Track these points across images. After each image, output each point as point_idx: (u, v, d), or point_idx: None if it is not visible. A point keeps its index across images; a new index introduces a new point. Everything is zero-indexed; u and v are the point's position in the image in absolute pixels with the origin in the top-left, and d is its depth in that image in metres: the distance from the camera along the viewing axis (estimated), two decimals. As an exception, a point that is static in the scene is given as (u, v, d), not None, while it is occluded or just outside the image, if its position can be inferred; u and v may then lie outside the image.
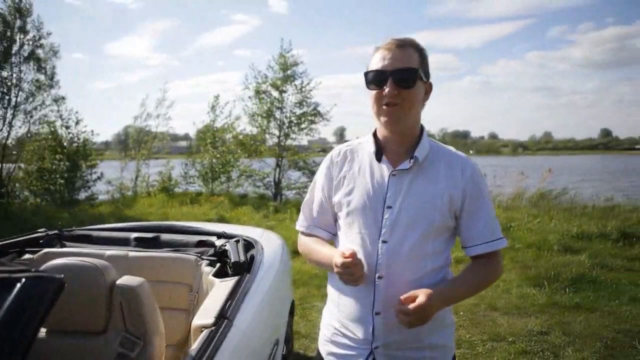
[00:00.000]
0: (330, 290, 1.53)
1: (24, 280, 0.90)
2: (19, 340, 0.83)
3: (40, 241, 2.59)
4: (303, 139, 13.70)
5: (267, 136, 13.34)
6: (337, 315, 1.46)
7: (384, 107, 1.34)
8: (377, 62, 1.35)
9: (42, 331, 1.52)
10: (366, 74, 1.36)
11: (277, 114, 13.09)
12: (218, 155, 12.97)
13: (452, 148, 1.46)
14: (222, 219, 8.63)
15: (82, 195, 12.36)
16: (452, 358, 1.48)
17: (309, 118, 13.05)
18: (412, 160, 1.36)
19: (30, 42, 11.05)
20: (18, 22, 10.83)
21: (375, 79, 1.34)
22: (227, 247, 2.40)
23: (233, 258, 2.22)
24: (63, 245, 2.62)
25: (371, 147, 1.43)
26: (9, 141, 11.16)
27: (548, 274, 5.08)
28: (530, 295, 4.64)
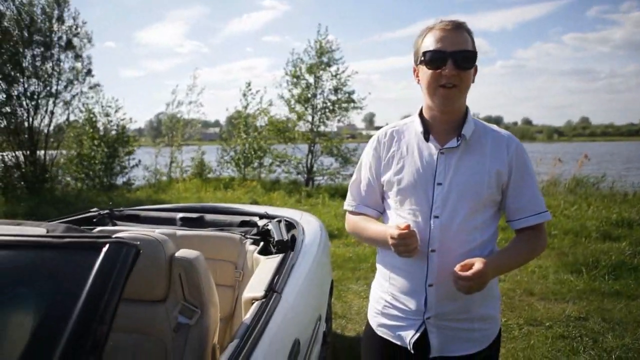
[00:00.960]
0: (380, 265, 1.59)
1: (108, 245, 0.99)
2: (111, 300, 0.92)
3: (94, 220, 2.74)
4: (333, 125, 13.71)
5: (301, 122, 13.40)
6: (389, 289, 1.52)
7: (441, 87, 1.38)
8: (433, 42, 1.38)
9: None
10: (424, 53, 1.39)
11: (312, 99, 13.11)
12: (251, 140, 13.12)
13: (495, 126, 1.50)
14: (255, 203, 8.79)
15: (120, 180, 12.78)
16: (499, 330, 1.53)
17: (343, 105, 13.03)
18: (459, 139, 1.42)
19: (68, 32, 11.40)
20: (56, 13, 11.20)
21: (433, 59, 1.37)
22: (270, 226, 2.49)
23: (277, 237, 2.30)
24: (115, 224, 2.76)
25: (418, 127, 1.48)
26: (50, 128, 11.64)
27: (586, 261, 4.99)
28: (567, 282, 4.58)
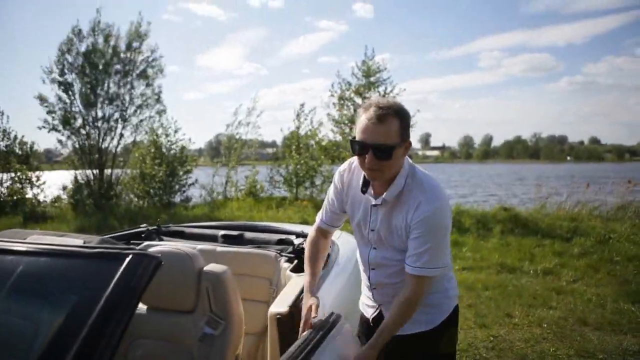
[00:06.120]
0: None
1: (131, 255, 1.11)
2: (127, 305, 1.03)
3: (142, 235, 2.93)
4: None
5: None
6: (362, 284, 1.98)
7: (367, 169, 1.60)
8: (360, 131, 1.56)
9: (143, 308, 1.78)
10: (352, 140, 1.59)
11: (360, 120, 13.17)
12: (302, 161, 13.37)
13: (428, 183, 1.65)
14: (304, 223, 8.92)
15: (178, 198, 13.40)
16: (451, 313, 1.82)
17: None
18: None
19: (144, 62, 12.41)
20: (136, 44, 12.26)
21: (358, 148, 1.58)
22: (305, 245, 2.55)
23: None
24: (161, 239, 2.94)
25: (361, 179, 1.72)
26: (118, 149, 12.61)
27: (650, 290, 4.66)
28: (627, 312, 4.30)
